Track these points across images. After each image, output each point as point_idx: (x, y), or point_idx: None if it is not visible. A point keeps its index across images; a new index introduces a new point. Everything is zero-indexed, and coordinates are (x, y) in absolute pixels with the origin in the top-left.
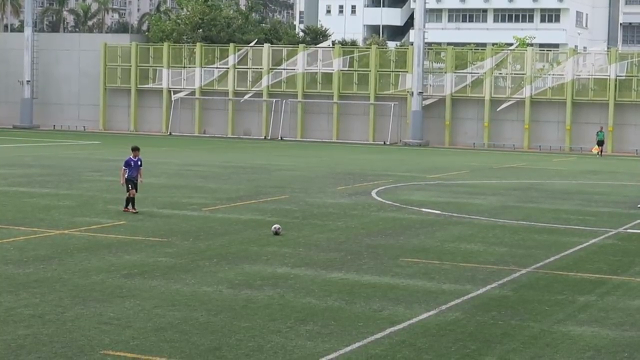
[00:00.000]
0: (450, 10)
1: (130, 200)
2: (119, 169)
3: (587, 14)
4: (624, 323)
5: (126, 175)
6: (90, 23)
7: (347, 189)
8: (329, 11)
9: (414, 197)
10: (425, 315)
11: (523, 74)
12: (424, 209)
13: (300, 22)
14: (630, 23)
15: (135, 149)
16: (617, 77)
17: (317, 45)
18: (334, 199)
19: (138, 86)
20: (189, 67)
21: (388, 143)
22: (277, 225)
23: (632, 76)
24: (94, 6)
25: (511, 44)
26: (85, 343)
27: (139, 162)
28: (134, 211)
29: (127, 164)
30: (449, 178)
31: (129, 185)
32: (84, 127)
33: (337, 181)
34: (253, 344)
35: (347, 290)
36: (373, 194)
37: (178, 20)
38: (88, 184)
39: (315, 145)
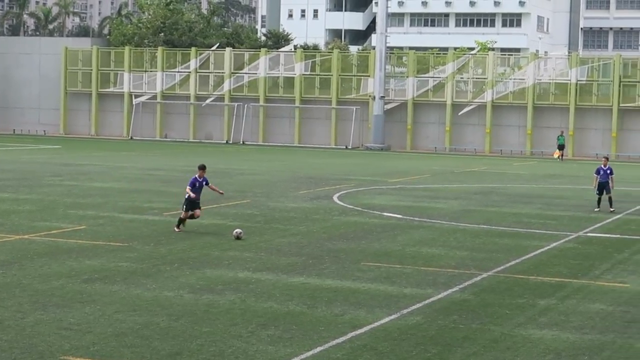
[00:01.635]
0: (412, 15)
1: (182, 221)
2: (185, 190)
3: (548, 19)
4: (584, 326)
5: (188, 197)
6: (51, 27)
7: (308, 193)
8: (291, 15)
9: (376, 201)
10: (386, 319)
11: (484, 78)
12: (385, 213)
13: (262, 26)
14: (590, 28)
15: (202, 168)
16: (578, 82)
17: (279, 50)
18: (295, 203)
19: (99, 90)
20: (151, 71)
21: (350, 147)
22: (238, 230)
23: (593, 81)
24: (55, 10)
25: (473, 49)
26: (45, 349)
27: (204, 182)
28: (178, 230)
29: (192, 184)
30: (410, 182)
31: (185, 206)
32: (45, 131)
33: (299, 185)
34: (214, 349)
35: (309, 295)
36: (335, 198)
37: (139, 24)
38: (48, 189)
39: (277, 150)
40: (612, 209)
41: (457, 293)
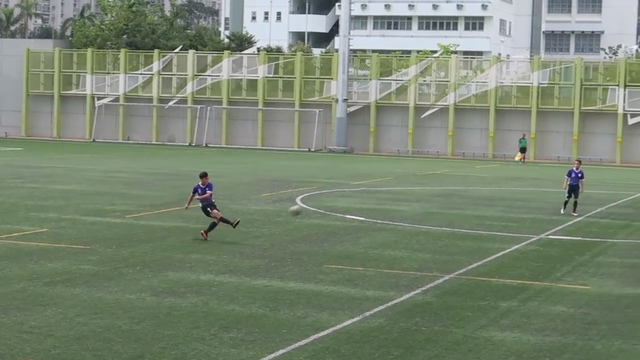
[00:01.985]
0: (375, 18)
1: (213, 226)
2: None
3: (510, 22)
4: (545, 328)
5: (200, 205)
6: (12, 28)
7: (271, 195)
8: (254, 18)
9: (339, 203)
10: (349, 321)
11: (447, 81)
12: (348, 216)
13: (226, 28)
14: (552, 31)
15: (203, 176)
16: (540, 85)
17: (242, 52)
18: (258, 205)
19: (61, 92)
20: (113, 73)
21: (313, 150)
22: (295, 207)
23: (554, 84)
24: (17, 11)
25: (435, 52)
26: (6, 352)
27: (207, 189)
28: (205, 236)
29: (195, 190)
30: (373, 185)
31: (208, 209)
32: (6, 133)
33: (262, 188)
34: (176, 351)
35: (271, 297)
36: (298, 200)
37: (102, 26)
38: (10, 191)
39: (240, 152)
40: (575, 213)
41: (419, 295)
